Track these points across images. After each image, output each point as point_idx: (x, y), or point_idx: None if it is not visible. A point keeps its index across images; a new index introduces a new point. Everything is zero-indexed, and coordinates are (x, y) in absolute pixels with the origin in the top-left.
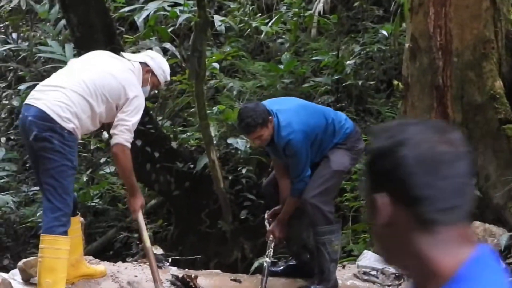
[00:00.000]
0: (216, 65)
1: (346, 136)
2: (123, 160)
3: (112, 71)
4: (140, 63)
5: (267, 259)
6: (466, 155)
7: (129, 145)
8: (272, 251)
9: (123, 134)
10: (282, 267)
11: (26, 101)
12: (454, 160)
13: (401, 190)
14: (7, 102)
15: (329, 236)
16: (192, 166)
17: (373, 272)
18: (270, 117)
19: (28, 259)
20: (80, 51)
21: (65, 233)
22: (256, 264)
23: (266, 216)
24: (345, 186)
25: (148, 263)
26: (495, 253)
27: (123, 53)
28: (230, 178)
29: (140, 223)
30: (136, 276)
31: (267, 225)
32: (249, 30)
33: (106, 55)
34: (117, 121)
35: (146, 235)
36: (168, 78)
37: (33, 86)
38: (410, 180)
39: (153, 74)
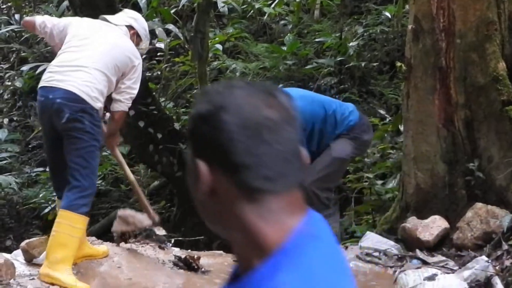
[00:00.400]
0: (219, 46)
1: (349, 128)
2: (119, 121)
3: (116, 41)
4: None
5: None
6: (294, 121)
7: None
8: None
9: (128, 102)
10: None
11: (46, 83)
12: (280, 125)
13: (222, 156)
14: (9, 83)
15: (327, 220)
16: None
17: (376, 254)
18: None
19: (31, 240)
20: None
21: (86, 213)
22: None
23: None
24: (347, 168)
25: (137, 197)
26: (325, 222)
27: (105, 17)
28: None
29: (119, 159)
30: (137, 258)
31: None
32: (252, 11)
33: (103, 25)
34: (124, 88)
35: (127, 169)
36: (149, 37)
37: (36, 67)
38: (231, 146)
39: (137, 35)
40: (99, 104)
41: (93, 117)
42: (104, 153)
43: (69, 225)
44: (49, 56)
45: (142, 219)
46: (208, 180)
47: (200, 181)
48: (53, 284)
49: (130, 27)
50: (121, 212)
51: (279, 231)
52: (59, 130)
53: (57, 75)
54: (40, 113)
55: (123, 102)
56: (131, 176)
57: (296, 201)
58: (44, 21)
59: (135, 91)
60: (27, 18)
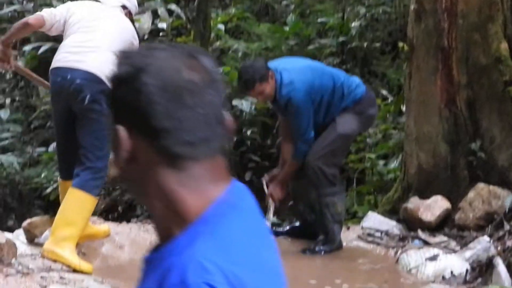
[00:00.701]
0: (221, 26)
1: (355, 101)
2: None
3: (123, 24)
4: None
5: (267, 222)
6: (217, 84)
7: None
8: (272, 213)
9: None
10: (286, 228)
11: (62, 64)
12: (202, 88)
13: (142, 121)
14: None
15: (332, 198)
16: None
17: (378, 234)
18: (270, 72)
19: (33, 219)
20: None
21: (96, 195)
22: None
23: (264, 179)
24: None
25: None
26: (249, 192)
27: None
28: (234, 139)
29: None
30: (139, 237)
31: (265, 188)
32: None
33: (102, 7)
34: None
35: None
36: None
37: (38, 47)
38: (151, 110)
39: (130, 13)
40: None
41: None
42: None
43: (79, 204)
44: (51, 36)
45: None
46: (128, 146)
47: (120, 148)
48: (55, 261)
49: (123, 7)
50: None
51: (200, 199)
52: (75, 111)
53: (73, 56)
54: (56, 94)
55: None
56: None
57: (219, 168)
58: (47, 21)
59: None
60: (32, 21)
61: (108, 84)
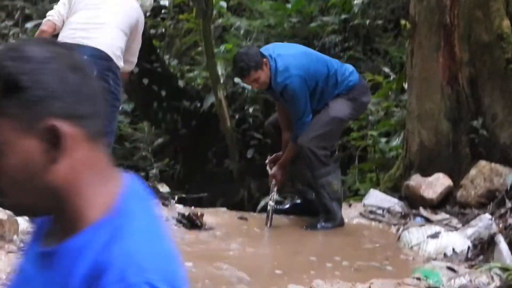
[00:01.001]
0: (224, 3)
1: (349, 88)
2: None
3: (129, 1)
4: None
5: (270, 202)
6: (86, 68)
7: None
8: (275, 194)
9: (132, 65)
10: (288, 206)
11: (68, 40)
12: (74, 69)
13: (20, 111)
14: (14, 40)
15: (327, 178)
16: (199, 105)
17: (379, 211)
18: (265, 59)
19: None
20: None
21: None
22: (262, 203)
23: (267, 161)
24: (351, 126)
25: None
26: (142, 181)
27: None
28: (237, 117)
29: None
30: None
31: (269, 169)
32: None
33: None
34: (135, 49)
35: None
36: None
37: (40, 24)
38: (31, 95)
39: None
40: (121, 63)
41: (116, 77)
42: None
43: None
44: None
45: None
46: (9, 139)
47: (2, 144)
48: None
49: None
50: None
51: (106, 193)
52: None
53: (80, 32)
54: None
55: (132, 63)
56: None
57: (108, 159)
58: (57, 22)
59: (138, 50)
60: (45, 28)
61: (115, 60)
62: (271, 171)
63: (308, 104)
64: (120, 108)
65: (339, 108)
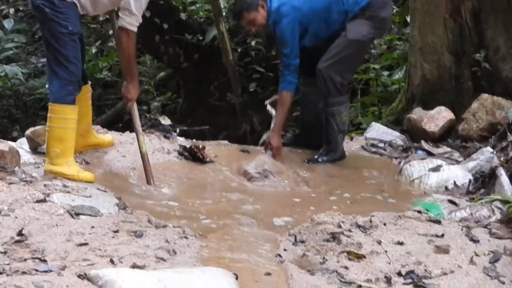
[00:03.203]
0: None
1: (363, 7)
2: (126, 44)
3: None
4: None
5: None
6: None
7: (133, 28)
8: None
9: (126, 18)
10: (288, 138)
11: None
12: None
13: None
14: None
15: (338, 107)
16: (201, 38)
17: (381, 144)
18: (261, 1)
19: (36, 128)
20: None
21: (72, 101)
22: (264, 136)
23: (267, 102)
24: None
25: (143, 165)
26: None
27: None
28: (239, 50)
29: (134, 116)
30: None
31: (269, 109)
32: None
33: None
34: (124, 3)
35: (141, 134)
36: None
37: None
38: None
39: None
40: None
41: (53, 4)
42: (110, 44)
43: (60, 117)
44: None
45: None
46: None
47: None
48: (57, 178)
49: None
50: None
51: None
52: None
53: None
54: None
55: (121, 18)
56: (144, 148)
57: None
58: None
59: (132, 6)
60: None
61: None
62: (271, 109)
63: (295, 48)
64: (71, 32)
65: (357, 29)
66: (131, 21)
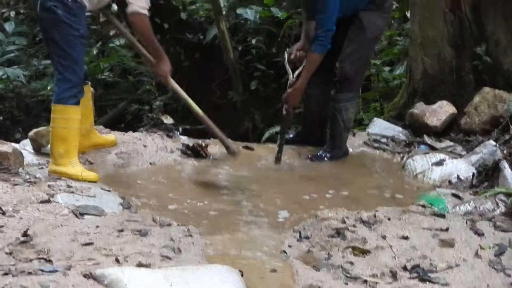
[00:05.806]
0: None
1: None
2: (142, 28)
3: None
4: None
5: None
6: None
7: (145, 11)
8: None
9: (137, 2)
10: (292, 135)
11: None
12: None
13: None
14: None
15: (346, 103)
16: (201, 37)
17: (384, 140)
18: None
19: (39, 129)
20: None
21: (76, 103)
22: (267, 134)
23: (286, 56)
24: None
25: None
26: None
27: None
28: (239, 48)
29: (176, 88)
30: (145, 147)
31: (286, 65)
32: None
33: None
34: None
35: (190, 101)
36: None
37: None
38: None
39: None
40: None
41: (67, 6)
42: (111, 44)
43: (63, 118)
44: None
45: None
46: None
47: None
48: (60, 178)
49: None
50: None
51: None
52: (42, 21)
53: None
54: (31, 3)
55: (132, 3)
56: (199, 111)
57: None
58: None
59: None
60: None
61: None
62: (288, 62)
63: (334, 15)
64: (82, 35)
65: (374, 26)
66: (142, 5)
